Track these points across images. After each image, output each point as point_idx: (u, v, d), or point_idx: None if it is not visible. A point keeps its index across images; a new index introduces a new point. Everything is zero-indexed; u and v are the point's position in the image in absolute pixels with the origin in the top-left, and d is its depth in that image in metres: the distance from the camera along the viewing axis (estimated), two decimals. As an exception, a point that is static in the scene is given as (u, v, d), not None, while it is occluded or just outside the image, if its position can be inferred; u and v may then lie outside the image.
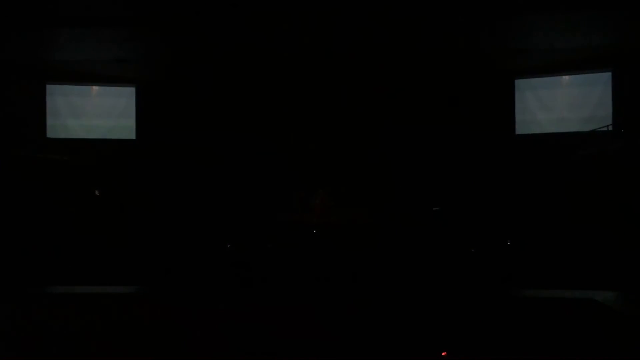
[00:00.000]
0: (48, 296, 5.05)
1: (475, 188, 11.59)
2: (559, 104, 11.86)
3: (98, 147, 12.27)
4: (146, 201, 11.82)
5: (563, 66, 11.51)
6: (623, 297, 4.66)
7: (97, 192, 11.91)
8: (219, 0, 8.55)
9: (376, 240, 10.20)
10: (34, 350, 4.44)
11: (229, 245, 9.93)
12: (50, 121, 12.42)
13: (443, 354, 4.23)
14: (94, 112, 12.69)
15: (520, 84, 12.15)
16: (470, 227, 10.60)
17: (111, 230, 10.71)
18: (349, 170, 12.74)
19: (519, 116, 12.17)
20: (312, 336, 4.45)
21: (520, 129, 12.12)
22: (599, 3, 8.75)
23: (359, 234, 10.61)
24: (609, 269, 7.95)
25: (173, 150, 12.48)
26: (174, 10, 8.97)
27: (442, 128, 12.31)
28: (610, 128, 11.11)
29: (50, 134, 12.37)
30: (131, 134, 12.78)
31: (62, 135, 12.38)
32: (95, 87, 12.64)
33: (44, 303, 4.84)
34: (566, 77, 11.76)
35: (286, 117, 13.09)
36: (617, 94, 11.29)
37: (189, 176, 12.30)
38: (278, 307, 4.69)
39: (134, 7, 8.79)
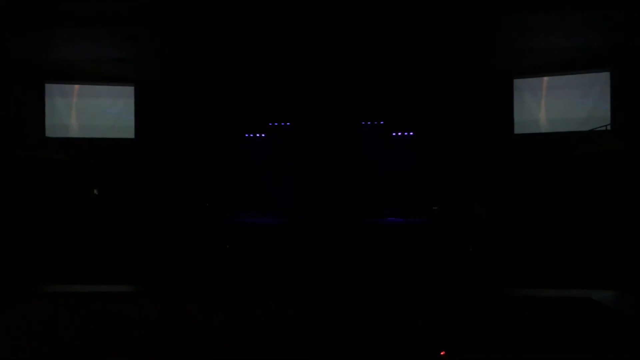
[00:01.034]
0: (47, 295, 5.06)
1: (473, 187, 11.63)
2: (558, 103, 11.88)
3: (97, 146, 12.28)
4: (145, 200, 11.83)
5: (562, 66, 11.53)
6: (621, 296, 4.67)
7: (95, 191, 11.92)
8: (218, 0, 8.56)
9: (374, 240, 10.22)
10: (32, 349, 4.44)
11: (227, 246, 9.93)
12: (49, 120, 12.41)
13: (442, 353, 4.25)
14: (92, 111, 12.68)
15: (519, 83, 12.17)
16: (468, 225, 10.62)
17: (110, 229, 10.72)
18: (345, 169, 12.80)
19: (517, 116, 12.18)
20: (308, 336, 4.46)
21: (519, 128, 12.13)
22: (598, 3, 8.76)
23: (357, 234, 10.62)
24: (607, 268, 7.98)
25: (172, 149, 12.50)
26: (174, 10, 8.97)
27: (440, 127, 12.36)
28: (609, 127, 11.14)
29: (49, 133, 12.37)
30: (130, 133, 12.78)
31: (61, 134, 12.38)
32: (94, 86, 12.62)
33: (43, 302, 4.85)
34: (565, 77, 11.77)
35: (284, 115, 13.15)
36: (615, 93, 11.31)
37: (187, 175, 12.33)
38: (276, 307, 4.70)
39: (134, 6, 8.79)
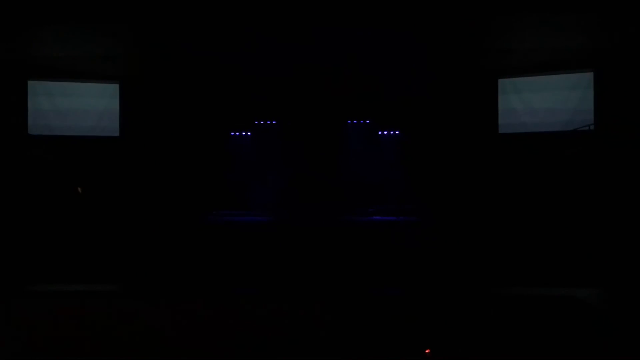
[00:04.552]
0: (31, 294, 5.01)
1: (458, 186, 11.70)
2: (543, 103, 11.97)
3: (81, 144, 12.15)
4: (130, 198, 11.74)
5: (547, 66, 11.62)
6: (603, 294, 4.73)
7: (79, 189, 11.80)
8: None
9: (361, 238, 10.24)
10: (20, 349, 4.40)
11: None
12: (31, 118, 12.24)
13: (427, 351, 4.26)
14: (76, 109, 12.52)
15: (504, 83, 12.24)
16: (452, 225, 10.67)
17: (94, 227, 10.62)
18: (332, 167, 12.83)
19: (502, 115, 12.25)
20: (296, 334, 4.45)
21: (504, 128, 12.21)
22: (582, 4, 8.85)
23: (343, 232, 10.64)
24: (591, 266, 8.07)
25: (157, 147, 12.41)
26: (159, 6, 8.91)
27: (426, 126, 12.40)
28: (592, 127, 11.26)
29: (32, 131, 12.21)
30: (114, 131, 12.64)
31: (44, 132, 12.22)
32: (78, 84, 12.46)
33: (27, 301, 4.80)
34: (550, 77, 11.86)
35: (270, 114, 13.14)
36: (599, 93, 11.43)
37: (172, 173, 12.25)
38: (264, 305, 4.69)
39: (119, 3, 8.72)
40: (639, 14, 9.08)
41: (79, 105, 12.47)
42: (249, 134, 13.32)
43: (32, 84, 12.22)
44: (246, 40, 10.29)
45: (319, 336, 4.44)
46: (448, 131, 12.18)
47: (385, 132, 13.04)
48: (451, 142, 12.15)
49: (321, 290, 5.68)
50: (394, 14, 9.17)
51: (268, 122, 13.27)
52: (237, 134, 13.31)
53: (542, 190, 10.86)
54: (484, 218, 10.79)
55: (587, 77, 11.56)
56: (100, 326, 4.57)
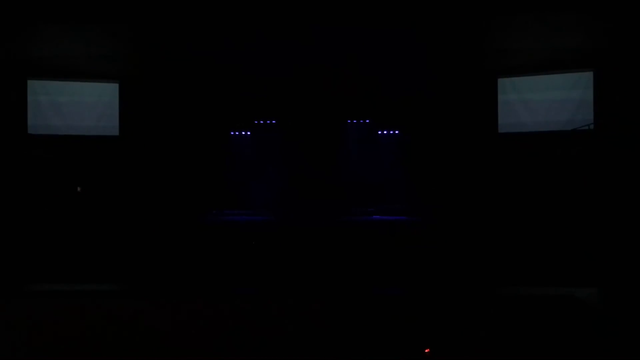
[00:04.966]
0: (31, 294, 5.00)
1: (457, 186, 11.70)
2: (542, 103, 11.97)
3: (80, 144, 12.14)
4: (130, 198, 11.75)
5: (546, 66, 11.62)
6: (602, 294, 4.73)
7: (78, 189, 11.81)
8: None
9: (361, 237, 10.25)
10: (21, 349, 4.40)
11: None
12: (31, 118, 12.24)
13: (426, 351, 4.27)
14: (75, 108, 12.52)
15: (504, 83, 12.23)
16: (452, 225, 10.68)
17: (94, 227, 10.63)
18: (331, 167, 12.83)
19: (501, 115, 12.25)
20: (296, 334, 4.46)
21: (503, 127, 12.21)
22: (582, 4, 8.87)
23: (343, 232, 10.65)
24: (591, 266, 8.08)
25: (157, 147, 12.40)
26: (158, 6, 8.92)
27: (426, 126, 12.41)
28: (591, 127, 11.27)
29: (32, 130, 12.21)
30: (114, 131, 12.64)
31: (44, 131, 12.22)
32: (77, 83, 12.46)
33: (27, 301, 4.80)
34: (549, 77, 11.86)
35: (270, 113, 13.14)
36: (598, 93, 11.43)
37: (172, 173, 12.25)
38: (264, 305, 4.70)
39: (119, 3, 8.73)
40: (639, 14, 9.10)
41: (78, 105, 12.49)
42: (248, 133, 13.32)
43: (31, 84, 12.23)
44: (246, 40, 10.29)
45: (319, 336, 4.45)
46: (448, 131, 12.18)
47: (385, 132, 13.05)
48: (451, 141, 12.16)
49: (321, 290, 5.69)
50: (393, 13, 9.18)
51: (268, 122, 13.27)
52: (237, 133, 13.32)
53: (542, 190, 10.88)
54: (483, 218, 10.80)
55: (587, 77, 11.58)
56: (101, 326, 4.57)
